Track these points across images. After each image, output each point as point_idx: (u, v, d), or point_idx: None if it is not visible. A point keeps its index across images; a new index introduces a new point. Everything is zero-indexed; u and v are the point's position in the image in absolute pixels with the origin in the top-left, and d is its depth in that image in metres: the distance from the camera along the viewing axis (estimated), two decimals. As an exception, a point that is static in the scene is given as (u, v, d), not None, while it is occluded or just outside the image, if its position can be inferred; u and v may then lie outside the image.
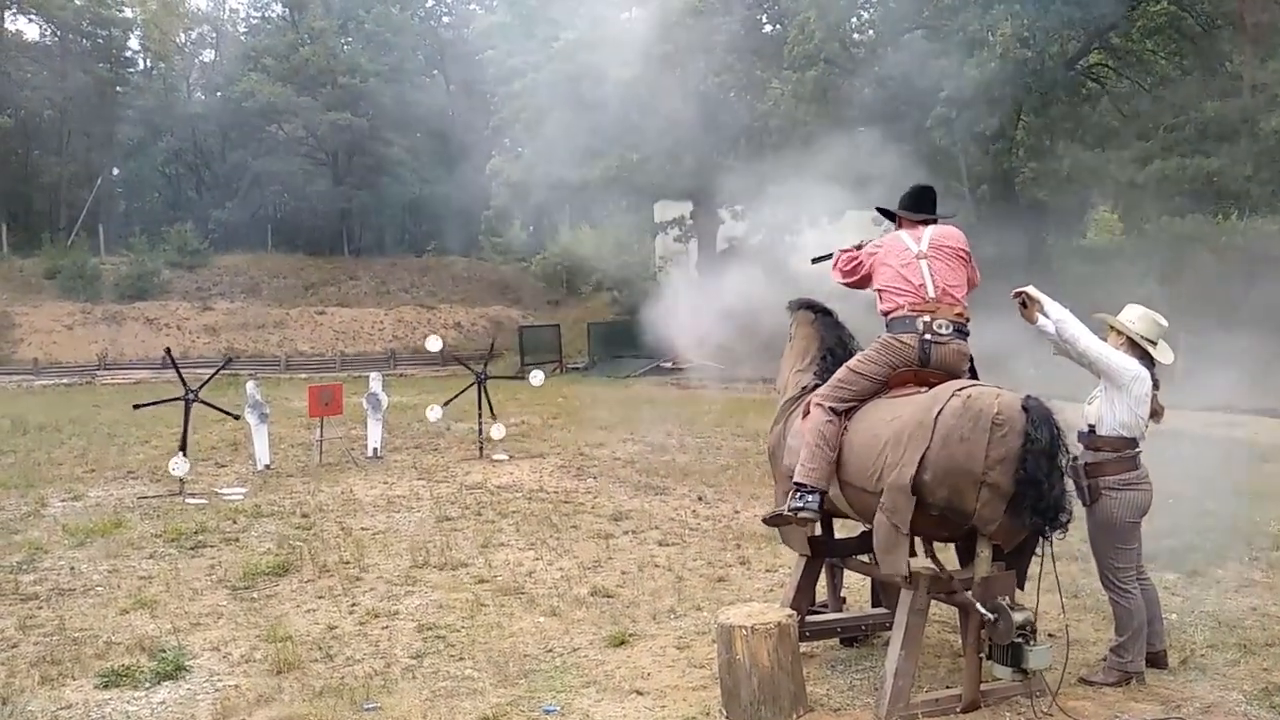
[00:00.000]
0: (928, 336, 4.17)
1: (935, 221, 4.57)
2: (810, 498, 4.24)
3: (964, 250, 4.39)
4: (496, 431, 12.26)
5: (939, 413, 3.82)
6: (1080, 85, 27.88)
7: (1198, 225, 20.11)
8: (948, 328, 4.18)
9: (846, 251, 4.74)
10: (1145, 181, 21.55)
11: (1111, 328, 4.58)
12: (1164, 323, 4.53)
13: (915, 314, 4.19)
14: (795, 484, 4.29)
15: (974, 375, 4.39)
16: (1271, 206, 20.82)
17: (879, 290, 4.39)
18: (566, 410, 18.19)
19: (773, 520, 4.52)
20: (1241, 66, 22.93)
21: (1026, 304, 4.56)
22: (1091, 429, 4.43)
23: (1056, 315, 4.44)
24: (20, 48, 47.25)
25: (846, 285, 4.71)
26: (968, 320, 4.30)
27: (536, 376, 13.24)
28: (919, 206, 4.59)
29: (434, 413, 12.56)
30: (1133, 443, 4.38)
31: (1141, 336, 4.47)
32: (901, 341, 4.20)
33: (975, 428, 3.73)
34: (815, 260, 5.11)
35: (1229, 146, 21.03)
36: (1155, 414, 4.46)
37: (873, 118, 27.16)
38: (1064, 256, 27.25)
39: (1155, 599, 4.58)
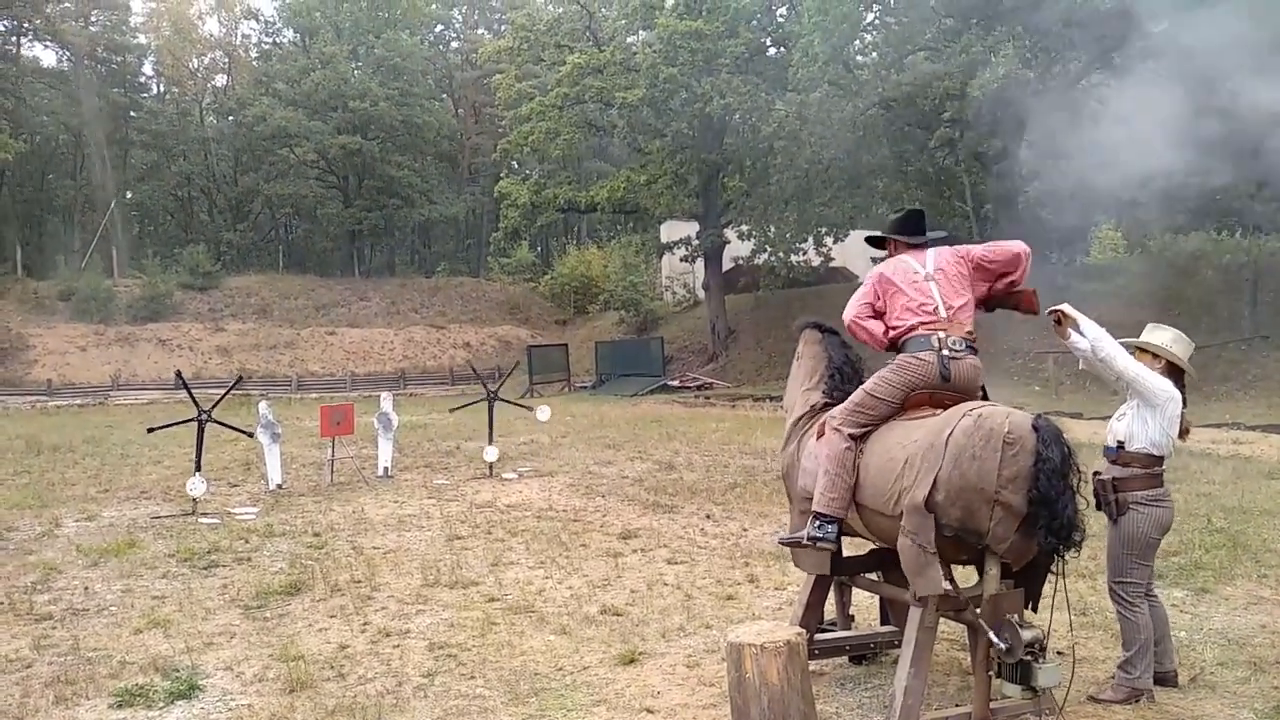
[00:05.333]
0: (945, 352, 4.18)
1: (927, 244, 4.56)
2: (829, 528, 4.29)
3: (964, 266, 4.38)
4: (542, 414, 12.50)
5: (950, 433, 3.84)
6: (1082, 105, 27.98)
7: (1200, 243, 20.14)
8: (960, 344, 4.21)
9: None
10: (1148, 200, 21.61)
11: (1144, 351, 4.63)
12: (1192, 345, 4.67)
13: (930, 332, 4.22)
14: (815, 513, 4.31)
15: (984, 395, 4.43)
16: (1274, 224, 20.84)
17: (888, 313, 4.38)
18: (575, 429, 18.23)
19: (791, 544, 4.57)
20: (1244, 85, 22.98)
21: (1060, 321, 4.61)
22: (1120, 445, 4.50)
23: (1093, 334, 4.51)
24: (36, 73, 47.93)
25: (869, 342, 4.50)
26: (975, 338, 4.34)
27: (543, 412, 13.30)
28: (912, 230, 4.59)
29: (490, 453, 12.28)
30: (1160, 460, 4.46)
31: (1181, 360, 4.56)
32: (920, 359, 4.20)
33: (987, 447, 3.75)
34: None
35: (1232, 165, 21.08)
36: (1184, 432, 4.56)
37: (877, 139, 27.32)
38: (1067, 275, 27.28)
39: (1164, 618, 4.60)
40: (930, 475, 3.82)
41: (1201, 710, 4.29)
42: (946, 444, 3.82)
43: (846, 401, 4.42)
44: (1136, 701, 4.32)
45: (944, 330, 4.21)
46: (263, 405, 11.66)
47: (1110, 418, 4.78)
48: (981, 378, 4.34)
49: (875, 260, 5.16)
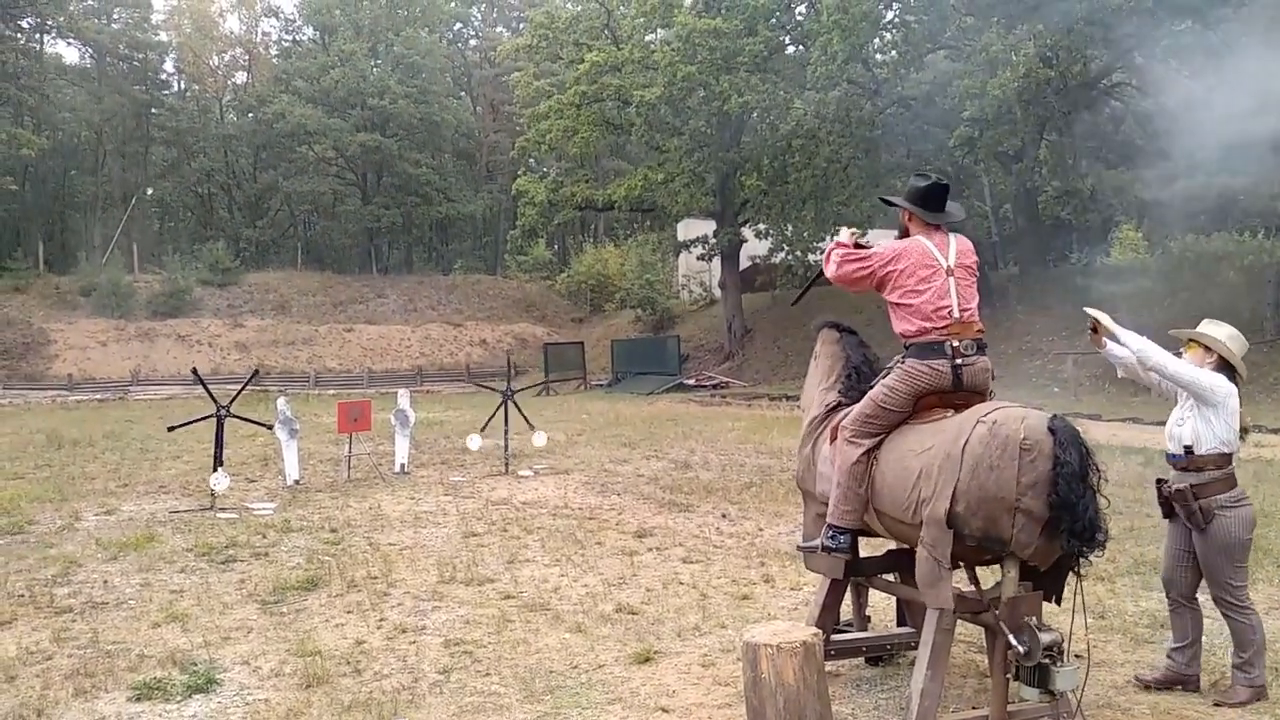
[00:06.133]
0: (958, 361, 4.10)
1: (943, 225, 4.36)
2: (843, 538, 4.29)
3: (977, 263, 4.33)
4: (539, 439, 12.42)
5: (966, 443, 3.79)
6: (1103, 104, 27.76)
7: (1223, 244, 19.91)
8: (972, 347, 4.13)
9: (843, 246, 4.46)
10: (1169, 200, 21.41)
11: (1197, 344, 4.56)
12: (1247, 345, 4.61)
13: (944, 338, 4.11)
14: (829, 524, 4.31)
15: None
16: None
17: (898, 305, 4.22)
18: (590, 427, 18.25)
19: (807, 550, 4.60)
20: (1268, 84, 22.73)
21: (1096, 329, 4.57)
22: (1189, 450, 4.40)
23: (1136, 345, 4.46)
24: (59, 70, 48.45)
25: (841, 283, 4.43)
26: (984, 334, 4.26)
27: (539, 438, 12.74)
28: (936, 206, 4.31)
29: (474, 442, 12.54)
30: (1231, 459, 4.39)
31: (1237, 357, 4.50)
32: (933, 368, 4.11)
33: (1004, 455, 3.70)
34: (795, 302, 5.12)
35: (1255, 165, 20.86)
36: (1244, 431, 4.51)
37: (896, 138, 27.19)
38: (1088, 275, 27.06)
39: (1200, 622, 4.58)
40: (949, 487, 3.78)
41: (1223, 716, 4.26)
42: (963, 454, 3.77)
43: (855, 410, 4.34)
44: (1260, 700, 4.33)
45: (957, 335, 4.11)
46: (281, 401, 11.72)
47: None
48: (990, 375, 4.25)
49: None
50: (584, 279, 45.07)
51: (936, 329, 4.11)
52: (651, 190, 33.33)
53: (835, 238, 4.60)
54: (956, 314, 4.13)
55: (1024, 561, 3.89)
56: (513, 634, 5.59)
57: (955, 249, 4.24)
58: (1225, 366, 4.49)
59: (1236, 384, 4.49)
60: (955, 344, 4.10)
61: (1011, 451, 3.69)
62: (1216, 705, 4.34)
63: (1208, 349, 4.52)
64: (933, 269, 4.16)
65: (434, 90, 49.47)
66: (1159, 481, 4.55)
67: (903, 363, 4.20)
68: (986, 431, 3.77)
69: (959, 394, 4.16)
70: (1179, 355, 4.58)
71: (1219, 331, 4.56)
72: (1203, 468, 4.37)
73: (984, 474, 3.72)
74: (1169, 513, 4.51)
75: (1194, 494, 4.36)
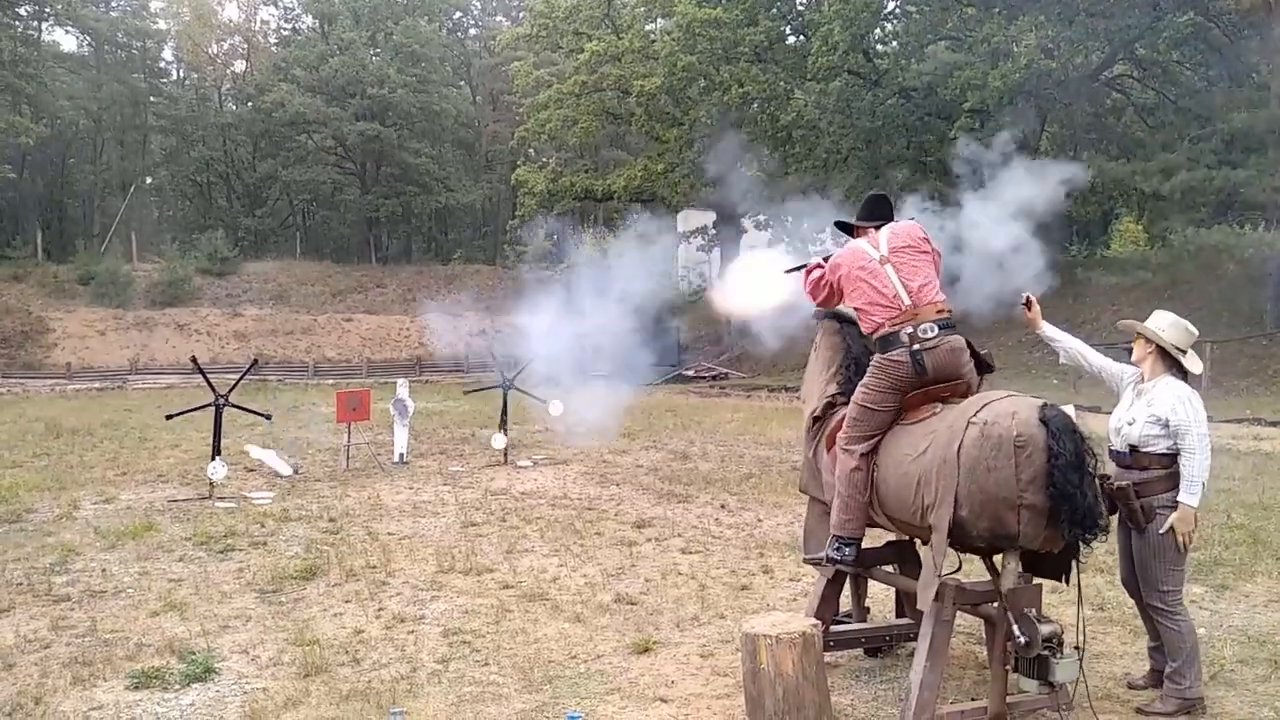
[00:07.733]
0: (916, 347, 4.06)
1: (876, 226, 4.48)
2: (848, 550, 4.30)
3: (924, 241, 4.29)
4: (497, 441, 12.26)
5: (960, 446, 3.77)
6: (1104, 96, 27.69)
7: (1223, 236, 19.87)
8: (932, 330, 4.08)
9: (816, 267, 4.65)
10: (1170, 193, 21.34)
11: (1140, 335, 4.49)
12: (1194, 330, 4.47)
13: (897, 327, 4.09)
14: (834, 535, 4.33)
15: (977, 362, 4.28)
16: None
17: (857, 309, 4.31)
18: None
19: (813, 563, 4.63)
20: (1269, 77, 22.71)
21: (1029, 305, 4.69)
22: (1133, 449, 4.33)
23: (1069, 344, 4.58)
24: (57, 58, 48.18)
25: (819, 305, 4.70)
26: (950, 313, 4.20)
27: (556, 407, 12.86)
28: (873, 215, 4.53)
29: (498, 441, 12.34)
30: (1175, 459, 4.29)
31: (1174, 346, 4.38)
32: (894, 360, 4.10)
33: (999, 454, 3.68)
34: (789, 271, 5.22)
35: (1256, 157, 20.82)
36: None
37: (897, 129, 27.09)
38: (1088, 267, 27.02)
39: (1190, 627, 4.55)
40: (950, 495, 3.77)
41: (1221, 708, 4.26)
42: (959, 459, 3.75)
43: (845, 417, 4.37)
44: (1189, 713, 4.18)
45: (911, 321, 4.09)
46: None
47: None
48: (965, 354, 4.19)
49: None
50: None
51: (890, 320, 4.13)
52: (651, 181, 33.26)
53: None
54: (907, 300, 4.12)
55: (1026, 551, 3.89)
56: (511, 624, 5.59)
57: (885, 238, 4.30)
58: (1169, 358, 4.38)
59: (1185, 378, 4.37)
60: (910, 331, 4.08)
61: (1006, 450, 3.68)
62: (1140, 712, 4.23)
63: (1149, 340, 4.44)
64: (866, 263, 4.25)
65: (433, 79, 49.21)
66: (1103, 478, 4.48)
67: (875, 359, 4.25)
68: (979, 433, 3.75)
69: (936, 385, 4.14)
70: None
71: (1157, 321, 4.45)
72: (1147, 466, 4.29)
73: (982, 476, 3.71)
74: (1114, 510, 4.41)
75: (1135, 492, 4.27)
